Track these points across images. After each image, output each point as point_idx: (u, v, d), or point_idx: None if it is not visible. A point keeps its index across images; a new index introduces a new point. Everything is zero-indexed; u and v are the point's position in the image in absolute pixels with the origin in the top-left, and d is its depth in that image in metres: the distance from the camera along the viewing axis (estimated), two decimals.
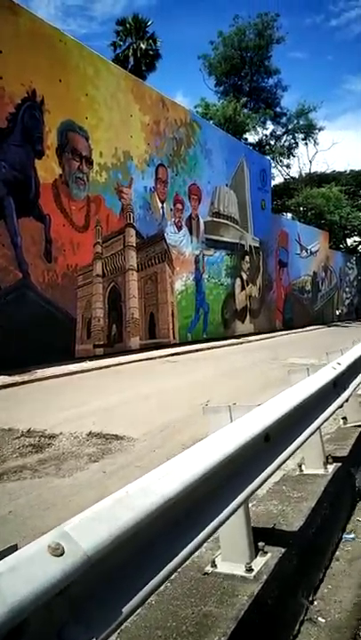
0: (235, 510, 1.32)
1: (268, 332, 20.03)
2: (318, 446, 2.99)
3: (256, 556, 2.09)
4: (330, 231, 32.15)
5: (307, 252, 27.25)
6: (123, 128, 12.58)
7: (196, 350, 13.48)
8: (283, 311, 23.48)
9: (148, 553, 1.21)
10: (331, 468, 3.07)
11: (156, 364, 10.88)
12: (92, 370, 9.65)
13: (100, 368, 9.87)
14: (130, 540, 1.08)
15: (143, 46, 33.31)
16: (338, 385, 2.81)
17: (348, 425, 4.12)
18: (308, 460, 3.14)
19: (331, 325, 26.97)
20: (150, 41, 33.68)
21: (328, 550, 2.29)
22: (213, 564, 2.06)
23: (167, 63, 65.56)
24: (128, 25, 33.55)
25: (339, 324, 28.64)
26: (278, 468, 1.71)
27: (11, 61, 9.37)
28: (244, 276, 19.39)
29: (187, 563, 1.27)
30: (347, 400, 2.99)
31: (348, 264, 35.88)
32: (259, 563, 2.05)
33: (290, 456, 1.82)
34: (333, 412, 2.62)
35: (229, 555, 2.06)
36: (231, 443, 1.36)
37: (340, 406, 2.79)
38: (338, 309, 31.60)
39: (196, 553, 1.47)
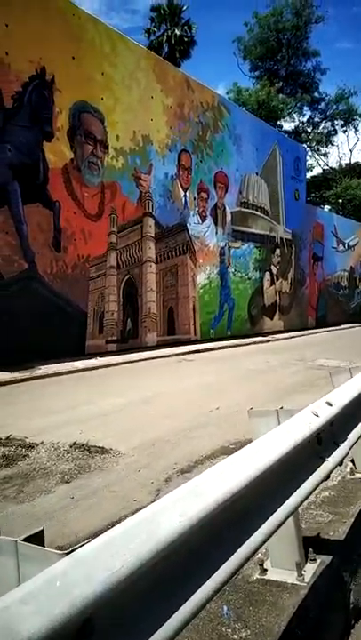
0: None
1: (300, 330, 18.94)
2: (291, 534, 1.78)
3: None
4: None
5: (344, 245, 25.78)
6: (142, 110, 11.79)
7: (218, 348, 12.64)
8: (316, 308, 22.23)
9: None
10: (311, 570, 1.84)
11: (171, 363, 10.13)
12: (100, 367, 9.00)
13: (109, 366, 9.21)
14: None
15: (178, 32, 32.43)
16: (324, 440, 1.73)
17: (357, 475, 2.84)
18: (275, 556, 1.94)
19: None
20: (185, 27, 32.80)
21: None
22: None
23: (208, 56, 63.86)
24: (163, 11, 32.82)
25: None
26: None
27: (18, 36, 8.72)
28: (274, 270, 18.31)
29: None
30: (340, 464, 1.84)
31: None
32: None
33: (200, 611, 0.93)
34: (313, 491, 1.58)
35: None
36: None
37: (327, 477, 1.69)
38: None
39: None
